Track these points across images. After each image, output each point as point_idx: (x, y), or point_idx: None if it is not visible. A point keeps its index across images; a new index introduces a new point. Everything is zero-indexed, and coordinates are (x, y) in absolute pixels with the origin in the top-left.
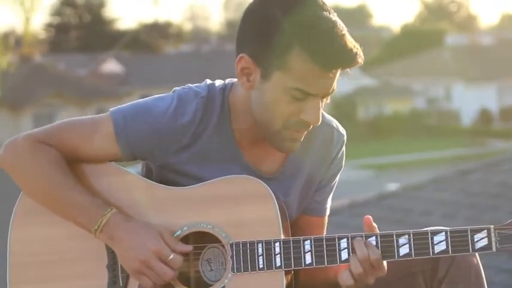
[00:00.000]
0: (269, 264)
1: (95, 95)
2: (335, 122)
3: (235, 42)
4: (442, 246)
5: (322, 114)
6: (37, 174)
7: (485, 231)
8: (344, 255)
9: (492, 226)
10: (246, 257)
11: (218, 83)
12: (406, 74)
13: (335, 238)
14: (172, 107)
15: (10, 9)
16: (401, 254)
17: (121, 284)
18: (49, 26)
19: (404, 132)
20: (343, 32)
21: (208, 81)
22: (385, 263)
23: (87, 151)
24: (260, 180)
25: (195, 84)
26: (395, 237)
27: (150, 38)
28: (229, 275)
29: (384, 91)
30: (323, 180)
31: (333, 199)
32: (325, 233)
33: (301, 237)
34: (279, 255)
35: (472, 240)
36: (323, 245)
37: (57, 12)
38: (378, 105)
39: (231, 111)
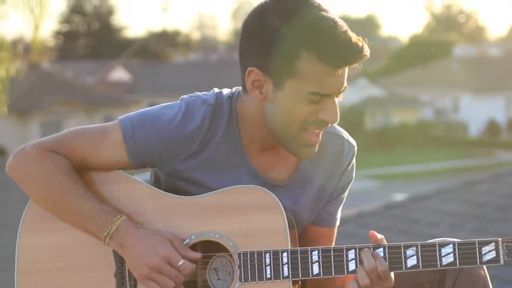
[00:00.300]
0: (276, 274)
1: (103, 103)
2: (345, 133)
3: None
4: (450, 259)
5: (333, 125)
6: (46, 182)
7: (493, 244)
8: (351, 266)
9: (500, 239)
10: (253, 266)
11: (226, 91)
12: (414, 85)
13: (343, 249)
14: (180, 114)
15: (20, 16)
16: (408, 266)
17: None
18: (58, 33)
19: (411, 142)
20: (345, 28)
21: (216, 89)
22: (392, 274)
23: (96, 159)
24: (268, 191)
25: (202, 93)
26: (403, 248)
27: (158, 47)
28: (237, 284)
29: (391, 101)
30: (334, 191)
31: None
32: (333, 244)
33: (309, 248)
34: (286, 265)
35: (480, 252)
36: (331, 255)
37: (66, 19)
38: (385, 115)
39: (239, 119)
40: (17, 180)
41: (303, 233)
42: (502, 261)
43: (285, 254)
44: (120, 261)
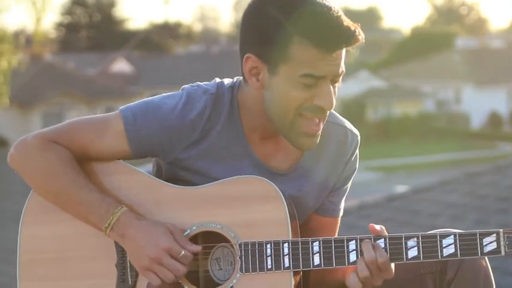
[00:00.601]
0: (277, 265)
1: (105, 95)
2: (348, 123)
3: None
4: (451, 250)
5: (335, 115)
6: (47, 173)
7: (494, 235)
8: (352, 257)
9: (501, 230)
10: (254, 257)
11: (227, 81)
12: (416, 77)
13: (344, 240)
14: (181, 104)
15: (22, 8)
16: (409, 257)
17: (130, 283)
18: (59, 25)
19: (413, 134)
20: (339, 14)
21: (218, 79)
22: (392, 265)
23: (97, 149)
24: (270, 181)
25: (204, 82)
26: (404, 239)
27: (160, 38)
28: (238, 275)
29: (393, 93)
30: (338, 181)
31: None
32: (336, 234)
33: (310, 239)
34: (287, 255)
35: (481, 243)
36: (331, 246)
37: (67, 11)
38: (387, 107)
39: (240, 108)
40: (19, 170)
41: (306, 223)
42: (503, 253)
43: (286, 245)
44: (121, 252)
